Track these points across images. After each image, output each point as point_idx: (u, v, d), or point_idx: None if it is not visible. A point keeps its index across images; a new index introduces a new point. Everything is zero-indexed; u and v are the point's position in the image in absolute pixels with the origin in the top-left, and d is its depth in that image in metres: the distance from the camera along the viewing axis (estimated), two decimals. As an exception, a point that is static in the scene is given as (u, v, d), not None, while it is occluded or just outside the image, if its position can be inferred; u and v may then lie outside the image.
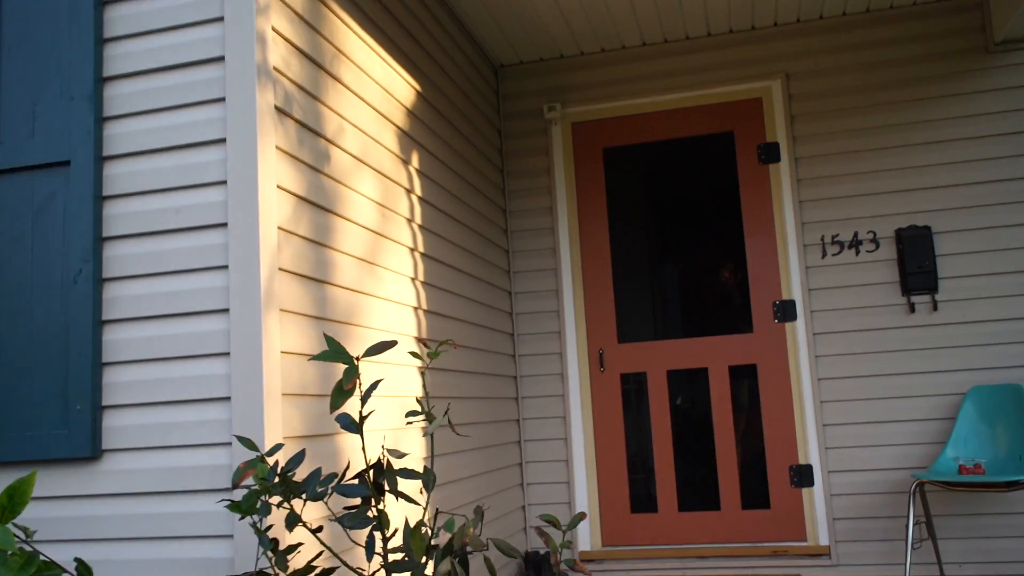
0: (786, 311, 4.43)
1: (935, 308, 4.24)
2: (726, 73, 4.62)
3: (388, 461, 1.97)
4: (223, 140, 2.39)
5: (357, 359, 1.94)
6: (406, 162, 3.41)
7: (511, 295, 4.75)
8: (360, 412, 1.97)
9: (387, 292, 3.12)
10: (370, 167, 3.08)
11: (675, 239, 5.08)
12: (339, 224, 2.80)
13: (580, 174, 4.75)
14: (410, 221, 3.39)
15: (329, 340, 1.96)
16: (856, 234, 4.38)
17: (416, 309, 3.38)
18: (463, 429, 3.77)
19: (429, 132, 3.67)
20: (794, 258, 4.44)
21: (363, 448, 1.96)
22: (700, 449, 4.47)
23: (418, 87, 3.59)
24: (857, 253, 4.38)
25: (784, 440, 4.39)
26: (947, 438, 4.13)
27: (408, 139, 3.45)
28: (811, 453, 4.34)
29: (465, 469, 3.71)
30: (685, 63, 4.69)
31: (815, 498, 4.32)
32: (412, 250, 3.39)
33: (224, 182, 2.38)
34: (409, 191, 3.41)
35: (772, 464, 4.40)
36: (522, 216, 4.79)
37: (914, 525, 3.97)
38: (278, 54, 2.50)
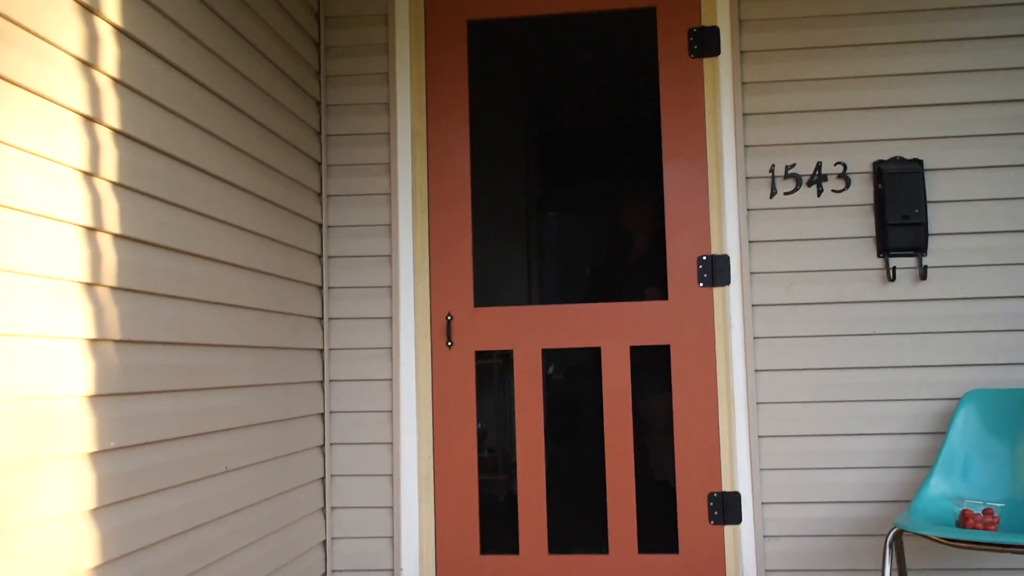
0: (716, 271, 3.08)
1: (923, 276, 2.98)
2: (650, -77, 3.18)
3: None
4: None
5: None
6: (86, -44, 1.82)
7: (322, 229, 3.22)
8: None
9: (8, 193, 1.56)
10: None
11: (564, 162, 3.67)
12: None
13: (433, 58, 3.24)
14: (88, 66, 1.81)
15: None
16: (819, 166, 3.06)
17: (93, 231, 1.81)
18: (219, 442, 2.25)
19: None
20: (731, 196, 3.08)
21: None
22: (584, 466, 3.10)
23: None
24: (819, 193, 3.06)
25: (703, 457, 3.06)
26: (933, 462, 2.89)
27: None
28: (739, 477, 3.03)
29: (223, 499, 2.20)
30: (592, -94, 3.23)
31: (742, 541, 3.02)
32: (88, 119, 1.81)
33: None
34: (90, 9, 1.83)
35: (684, 491, 3.07)
36: (345, 114, 3.25)
37: (887, 590, 2.71)
38: None
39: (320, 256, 3.19)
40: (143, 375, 1.96)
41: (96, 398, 1.79)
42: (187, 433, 2.15)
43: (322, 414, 3.15)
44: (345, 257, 3.21)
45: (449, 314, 3.17)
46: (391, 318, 3.18)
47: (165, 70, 2.11)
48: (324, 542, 3.13)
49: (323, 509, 3.13)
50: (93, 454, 1.78)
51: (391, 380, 3.17)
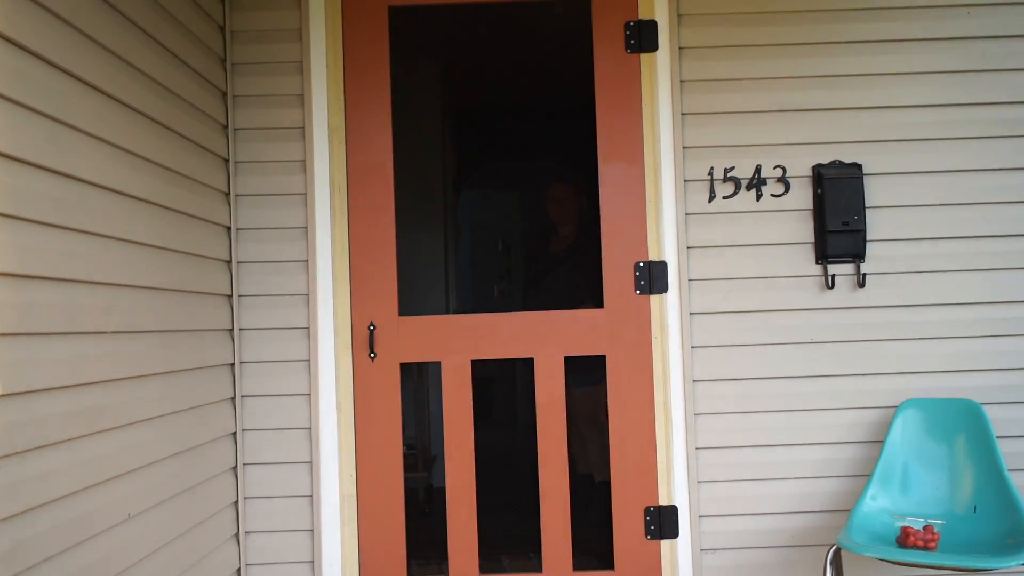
0: (653, 278, 2.96)
1: (861, 284, 2.92)
2: (584, -94, 2.99)
3: None
4: None
5: None
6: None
7: (230, 233, 2.95)
8: None
9: None
10: None
11: (494, 157, 3.48)
12: None
13: (352, 45, 2.99)
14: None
15: None
16: (759, 169, 2.95)
17: (-37, 271, 1.54)
18: (121, 488, 2.00)
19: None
20: (669, 199, 2.95)
21: None
22: (517, 477, 2.95)
23: None
24: (759, 197, 2.96)
25: (639, 469, 2.95)
26: (871, 471, 2.85)
27: None
28: (676, 490, 2.94)
29: (124, 551, 1.96)
30: None
31: (679, 555, 2.93)
32: (-46, 141, 1.53)
33: None
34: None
35: (620, 505, 2.96)
36: (255, 106, 2.98)
37: (827, 607, 2.66)
38: None
39: (228, 263, 2.93)
40: (29, 431, 1.70)
41: (-28, 467, 1.54)
42: (83, 486, 1.90)
43: (233, 433, 2.91)
44: (257, 263, 2.96)
45: (372, 323, 2.96)
46: (308, 328, 2.95)
47: (41, 69, 1.82)
48: (238, 570, 2.90)
49: (236, 535, 2.90)
50: (-30, 533, 1.53)
51: (309, 395, 2.95)
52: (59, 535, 1.79)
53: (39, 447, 1.74)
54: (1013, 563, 2.29)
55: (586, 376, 3.57)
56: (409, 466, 3.28)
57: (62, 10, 1.88)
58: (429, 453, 4.78)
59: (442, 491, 3.01)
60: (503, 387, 4.92)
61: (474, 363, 2.99)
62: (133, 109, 2.21)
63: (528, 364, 3.02)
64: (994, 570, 2.32)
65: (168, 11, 2.46)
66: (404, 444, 3.04)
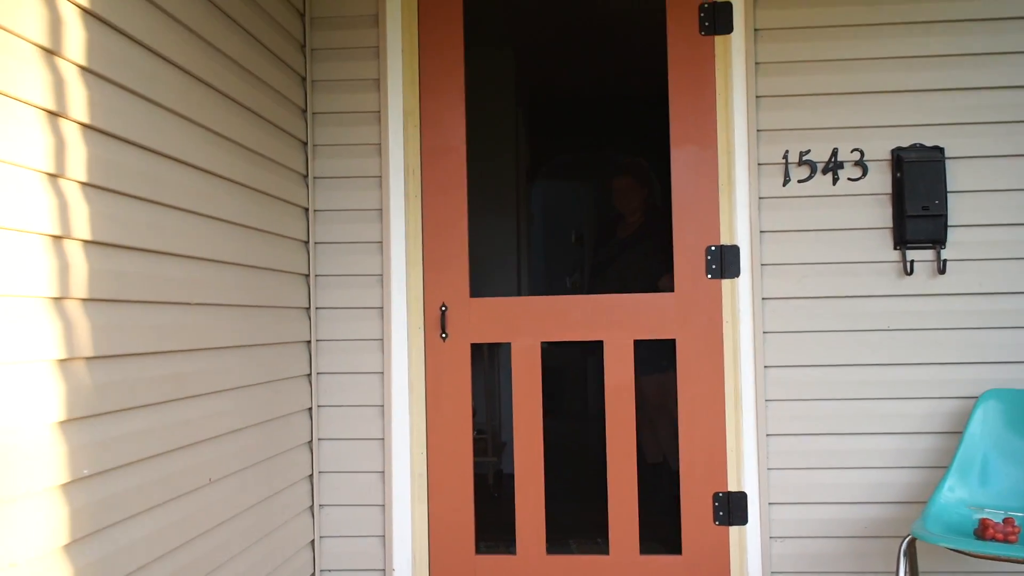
0: (725, 262, 2.93)
1: (942, 270, 2.85)
2: None
3: None
4: None
5: None
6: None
7: (308, 214, 3.03)
8: None
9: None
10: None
11: (566, 145, 3.49)
12: None
13: (427, 31, 3.04)
14: (51, 53, 1.62)
15: None
16: (835, 152, 2.90)
17: (59, 240, 1.63)
18: (204, 453, 2.09)
19: None
20: (742, 183, 2.93)
21: None
22: (584, 464, 2.97)
23: None
24: (835, 181, 2.91)
25: (708, 455, 2.94)
26: (947, 463, 2.79)
27: None
28: (746, 476, 2.91)
29: (207, 513, 2.05)
30: None
31: (747, 542, 2.91)
32: (52, 114, 1.62)
33: None
34: (52, -9, 1.63)
35: (689, 490, 2.95)
36: (333, 91, 3.05)
37: (900, 598, 2.61)
38: None
39: (306, 243, 3.01)
40: (119, 393, 1.79)
41: (67, 423, 1.62)
42: (169, 448, 1.99)
43: (309, 409, 2.99)
44: (333, 244, 3.03)
45: (444, 304, 3.01)
46: (382, 308, 3.02)
47: (134, 50, 1.91)
48: (312, 542, 2.99)
49: (311, 508, 2.99)
50: (64, 485, 1.61)
51: (382, 373, 3.02)
52: (145, 493, 1.88)
53: (128, 408, 1.83)
54: (1098, 557, 2.21)
55: (654, 364, 3.56)
56: (479, 450, 3.32)
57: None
58: (499, 439, 4.82)
59: (511, 477, 3.05)
60: (572, 377, 4.94)
61: (543, 350, 3.01)
62: (218, 91, 2.30)
63: (597, 354, 3.03)
64: (1077, 564, 2.25)
65: (262, 7, 2.54)
66: (474, 428, 3.08)
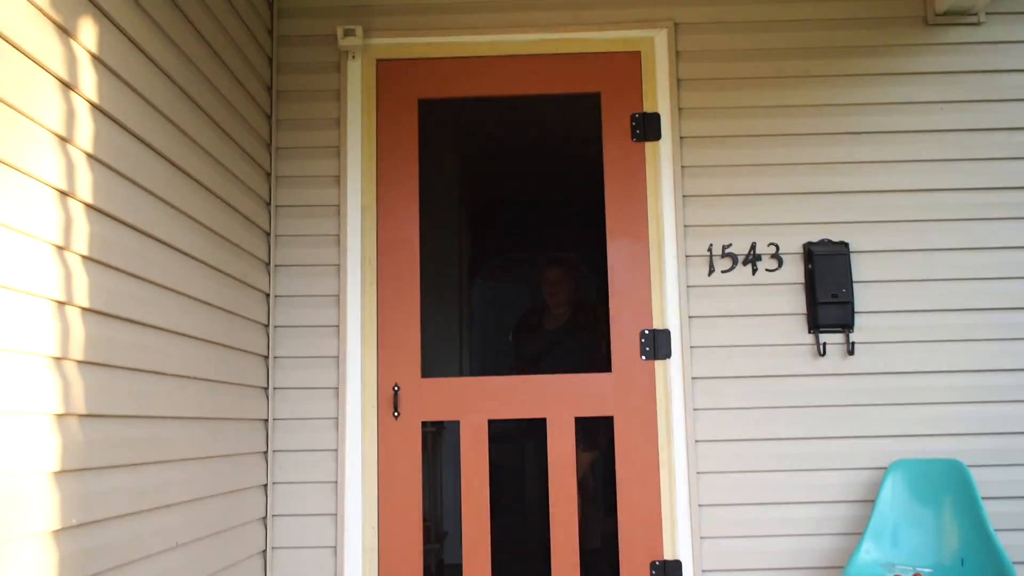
0: (658, 345, 3.20)
1: (851, 351, 3.15)
2: (595, 13, 3.35)
3: None
4: None
5: None
6: (68, 32, 1.84)
7: (269, 299, 3.22)
8: None
9: (-17, 264, 1.55)
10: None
11: (511, 238, 3.77)
12: None
13: (384, 133, 3.32)
14: (65, 141, 1.82)
15: None
16: (754, 246, 3.23)
17: (62, 305, 1.80)
18: (172, 517, 2.21)
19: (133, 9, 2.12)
20: (671, 273, 3.22)
21: None
22: (529, 536, 3.14)
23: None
24: (754, 271, 3.22)
25: (646, 525, 3.13)
26: (863, 528, 3.02)
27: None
28: (680, 545, 3.10)
29: (170, 569, 2.15)
30: (540, -5, 3.38)
31: (684, 609, 3.08)
32: (64, 194, 1.82)
33: None
34: (69, 86, 1.85)
35: (628, 559, 3.12)
36: (295, 185, 3.29)
37: (824, 657, 2.80)
38: None
39: (267, 326, 3.19)
40: (104, 450, 1.93)
41: (60, 474, 1.76)
42: (143, 508, 2.11)
43: (265, 485, 3.11)
44: (292, 327, 3.21)
45: (396, 384, 3.19)
46: (337, 388, 3.19)
47: (139, 150, 2.13)
48: (264, 618, 3.06)
49: (264, 584, 3.07)
50: (56, 532, 1.74)
51: (336, 450, 3.16)
52: (120, 549, 1.99)
53: (111, 466, 1.96)
54: (995, 606, 2.45)
55: (586, 443, 3.78)
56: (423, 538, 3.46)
57: (152, 97, 2.20)
58: (441, 527, 4.92)
59: (453, 568, 3.17)
60: (512, 471, 5.11)
61: (491, 424, 3.20)
62: (196, 180, 2.51)
63: (539, 452, 3.20)
64: (978, 613, 2.48)
65: (232, 104, 2.79)
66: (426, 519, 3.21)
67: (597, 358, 3.80)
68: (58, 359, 1.77)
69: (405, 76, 3.34)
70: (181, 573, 2.34)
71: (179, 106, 2.38)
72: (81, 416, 1.85)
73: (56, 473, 1.75)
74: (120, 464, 2.01)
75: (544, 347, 4.48)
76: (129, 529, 2.05)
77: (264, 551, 3.08)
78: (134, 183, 2.11)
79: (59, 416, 1.77)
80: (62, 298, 1.78)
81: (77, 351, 1.83)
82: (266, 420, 3.14)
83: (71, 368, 1.81)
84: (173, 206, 2.33)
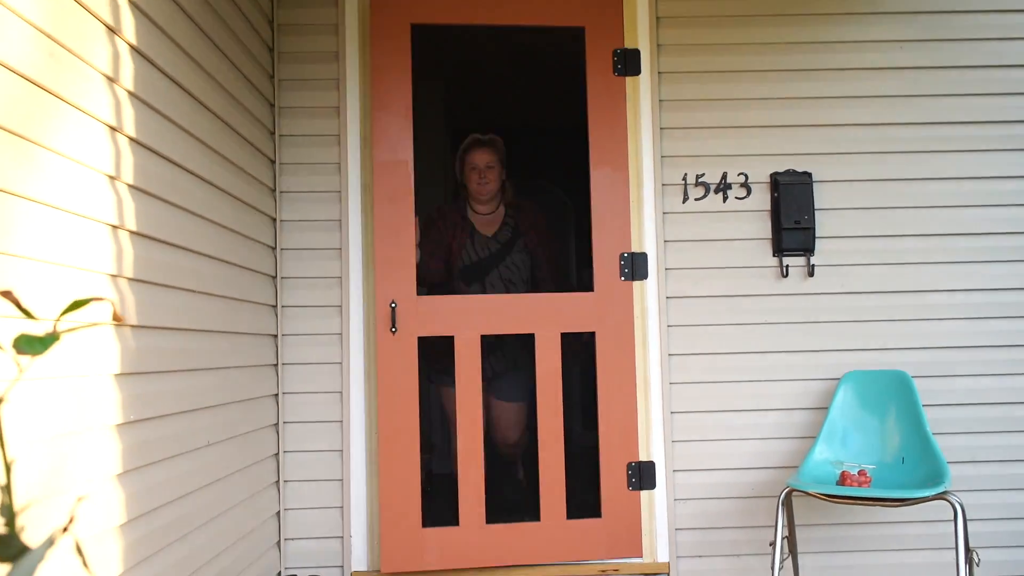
0: (636, 267, 3.48)
1: (811, 273, 3.45)
2: (580, -47, 3.53)
3: None
4: None
5: None
6: (110, -18, 2.03)
7: (276, 223, 3.45)
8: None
9: (54, 194, 1.78)
10: (30, -36, 1.71)
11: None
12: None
13: (378, 60, 3.50)
14: (112, 81, 2.03)
15: None
16: (725, 176, 3.49)
17: (115, 229, 2.04)
18: (203, 419, 2.48)
19: (157, -50, 2.30)
20: (649, 200, 3.48)
21: None
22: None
23: None
24: (724, 199, 3.49)
25: (623, 431, 3.46)
26: (817, 432, 3.37)
27: (116, -54, 2.07)
28: (654, 447, 3.44)
29: (206, 470, 2.44)
30: (528, -66, 3.54)
31: (655, 504, 3.43)
32: (113, 130, 2.04)
33: None
34: (113, 30, 2.05)
35: (607, 461, 3.46)
36: (298, 116, 3.49)
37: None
38: None
39: (274, 248, 3.42)
40: (152, 357, 2.19)
41: (120, 376, 2.03)
42: (183, 408, 2.39)
43: (276, 395, 3.39)
44: (298, 249, 3.45)
45: (394, 301, 3.45)
46: (340, 306, 3.44)
47: (167, 86, 2.33)
48: (278, 513, 3.37)
49: (276, 483, 3.37)
50: (119, 425, 2.01)
51: (341, 363, 3.43)
52: (167, 443, 2.27)
53: (156, 371, 2.23)
54: (930, 492, 2.80)
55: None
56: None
57: (176, 35, 2.39)
58: (430, 440, 5.26)
59: (441, 477, 3.47)
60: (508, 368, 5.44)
61: (483, 339, 3.48)
62: (216, 114, 2.71)
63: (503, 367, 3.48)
64: (914, 499, 2.84)
65: (236, 34, 2.98)
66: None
67: (551, 278, 4.04)
68: (113, 276, 2.02)
69: (398, 1, 3.50)
70: (214, 467, 2.63)
71: (196, 41, 2.56)
72: (133, 327, 2.10)
73: (116, 375, 2.01)
74: (164, 370, 2.27)
75: (493, 257, 3.98)
76: (173, 426, 2.32)
77: (276, 454, 3.37)
78: (166, 117, 2.33)
79: (116, 327, 2.02)
80: (116, 223, 2.02)
81: (128, 269, 2.07)
82: (275, 335, 3.40)
83: (124, 285, 2.06)
84: (195, 136, 2.55)
